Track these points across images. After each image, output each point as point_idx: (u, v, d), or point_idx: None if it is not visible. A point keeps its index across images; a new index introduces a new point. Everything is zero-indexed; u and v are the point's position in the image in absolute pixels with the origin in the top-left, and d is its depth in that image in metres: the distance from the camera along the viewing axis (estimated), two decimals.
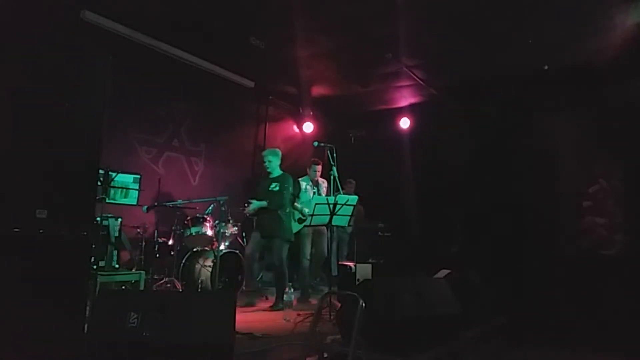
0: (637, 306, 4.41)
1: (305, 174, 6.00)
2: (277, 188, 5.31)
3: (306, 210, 5.67)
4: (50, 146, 2.74)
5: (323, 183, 5.95)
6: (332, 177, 5.28)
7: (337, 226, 5.05)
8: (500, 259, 5.72)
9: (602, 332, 3.98)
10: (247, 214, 5.63)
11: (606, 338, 3.88)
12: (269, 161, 5.41)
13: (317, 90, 7.67)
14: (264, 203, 5.26)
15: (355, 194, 6.57)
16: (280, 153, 5.54)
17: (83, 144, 2.91)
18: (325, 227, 5.49)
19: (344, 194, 4.99)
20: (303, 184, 5.88)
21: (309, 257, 5.74)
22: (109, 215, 4.67)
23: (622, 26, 5.00)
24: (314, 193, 5.82)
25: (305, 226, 5.70)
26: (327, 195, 5.67)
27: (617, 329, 4.07)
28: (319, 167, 5.88)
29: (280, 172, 5.47)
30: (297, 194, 5.79)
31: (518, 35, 5.34)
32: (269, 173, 5.45)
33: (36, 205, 2.64)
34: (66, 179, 2.79)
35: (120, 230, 4.79)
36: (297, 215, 5.80)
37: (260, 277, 6.95)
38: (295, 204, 5.79)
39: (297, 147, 8.49)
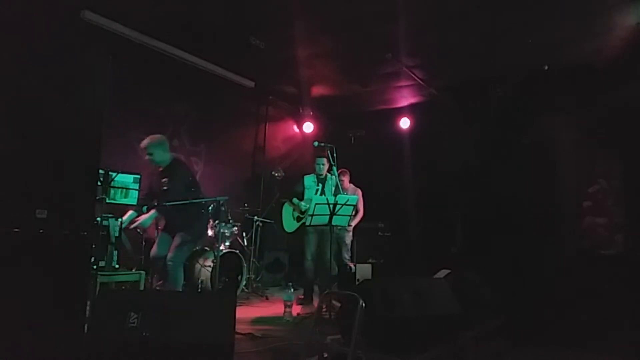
0: (637, 306, 4.41)
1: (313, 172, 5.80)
2: (166, 187, 4.47)
3: (303, 205, 5.63)
4: (50, 146, 2.74)
5: (335, 176, 5.43)
6: (332, 177, 5.28)
7: (335, 226, 5.01)
8: (500, 259, 5.72)
9: (602, 332, 3.98)
10: (139, 231, 4.89)
11: (606, 338, 3.88)
12: (151, 154, 4.50)
13: (317, 90, 7.67)
14: (153, 215, 4.47)
15: (352, 184, 6.59)
16: (164, 140, 4.64)
17: (83, 144, 2.91)
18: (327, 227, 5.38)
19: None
20: (308, 181, 5.72)
21: (310, 258, 5.64)
22: (109, 215, 4.67)
23: (622, 26, 5.00)
24: (317, 191, 5.66)
25: (304, 225, 5.65)
26: (337, 192, 5.52)
27: (617, 329, 4.08)
28: (324, 160, 5.63)
29: (169, 161, 4.61)
30: (301, 191, 5.71)
31: (518, 35, 5.34)
32: (158, 167, 4.61)
33: (36, 205, 2.64)
34: (66, 179, 2.79)
35: (120, 230, 4.79)
36: (296, 214, 5.77)
37: (259, 277, 6.97)
38: (294, 200, 5.75)
39: (297, 147, 8.50)
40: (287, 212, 5.86)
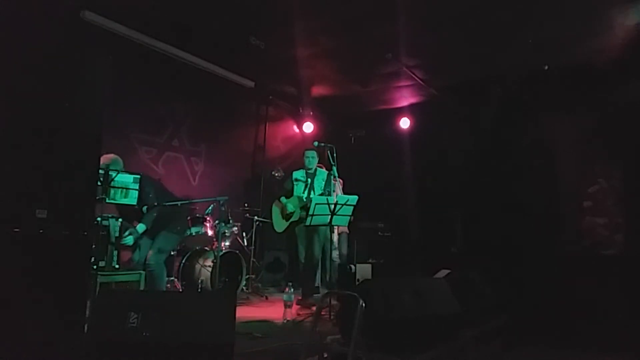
0: (637, 306, 4.41)
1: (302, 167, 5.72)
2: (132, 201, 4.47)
3: (290, 206, 5.61)
4: (50, 146, 2.74)
5: (335, 175, 5.32)
6: (332, 177, 5.26)
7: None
8: (501, 259, 5.71)
9: (602, 332, 3.98)
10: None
11: (606, 338, 3.88)
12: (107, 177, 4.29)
13: (317, 90, 7.67)
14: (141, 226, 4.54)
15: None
16: (116, 159, 4.52)
17: (83, 144, 2.91)
18: (318, 227, 5.24)
19: None
20: (297, 177, 5.64)
21: (304, 260, 5.56)
22: (109, 215, 4.67)
23: (622, 26, 5.00)
24: (306, 187, 5.55)
25: (292, 223, 5.58)
26: (327, 188, 5.44)
27: (617, 329, 4.07)
28: (313, 153, 5.57)
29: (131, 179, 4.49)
30: (290, 188, 5.66)
31: (518, 35, 5.34)
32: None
33: (36, 205, 2.63)
34: (66, 179, 2.79)
35: (120, 230, 4.79)
36: (284, 213, 5.73)
37: (259, 277, 6.96)
38: (281, 199, 5.70)
39: (297, 147, 8.50)
40: (276, 212, 5.84)
